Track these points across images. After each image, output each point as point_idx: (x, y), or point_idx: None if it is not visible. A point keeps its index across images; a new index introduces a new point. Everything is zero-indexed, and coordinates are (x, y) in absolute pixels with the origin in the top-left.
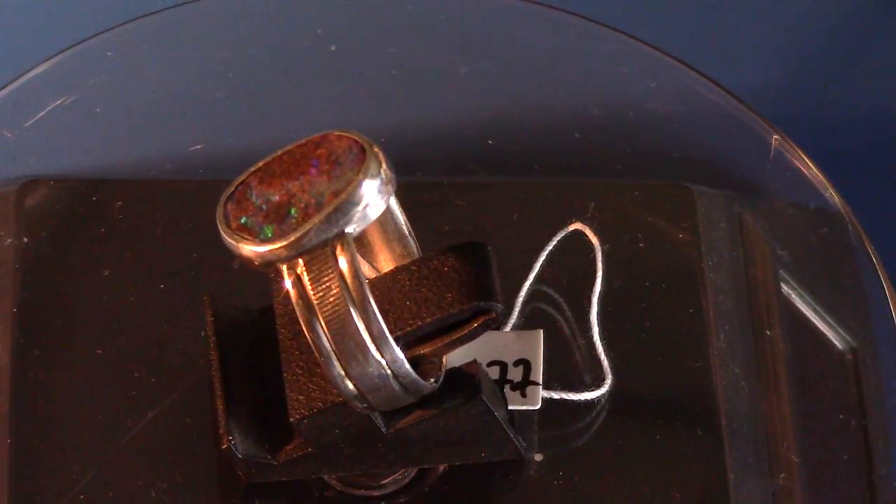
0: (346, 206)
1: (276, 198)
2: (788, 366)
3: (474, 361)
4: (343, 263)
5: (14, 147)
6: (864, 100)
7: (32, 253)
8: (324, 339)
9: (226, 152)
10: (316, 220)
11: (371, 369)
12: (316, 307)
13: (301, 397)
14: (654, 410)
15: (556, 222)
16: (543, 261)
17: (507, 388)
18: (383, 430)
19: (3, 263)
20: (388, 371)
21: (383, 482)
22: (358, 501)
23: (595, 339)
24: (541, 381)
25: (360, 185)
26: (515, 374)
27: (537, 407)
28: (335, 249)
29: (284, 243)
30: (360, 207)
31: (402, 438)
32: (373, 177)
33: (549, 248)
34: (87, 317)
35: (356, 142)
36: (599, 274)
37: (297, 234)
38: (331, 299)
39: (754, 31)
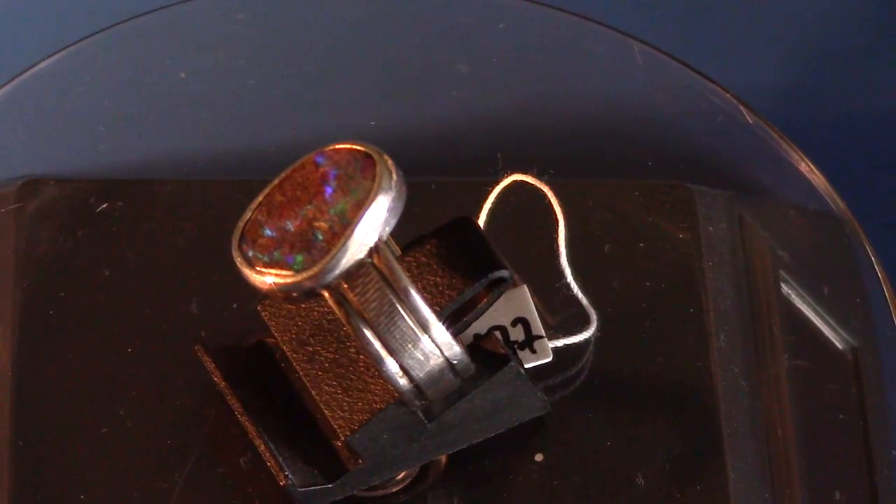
0: (372, 214)
1: (294, 226)
2: (788, 366)
3: (488, 332)
4: (384, 269)
5: (14, 147)
6: (864, 100)
7: (33, 253)
8: (378, 346)
9: (226, 152)
10: (348, 233)
11: (431, 362)
12: (370, 320)
13: (345, 414)
14: (653, 410)
15: (554, 221)
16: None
17: (515, 349)
18: (426, 422)
19: (3, 263)
20: (442, 357)
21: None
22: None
23: (570, 282)
24: (544, 334)
25: (379, 191)
26: (517, 334)
27: (550, 359)
28: (372, 258)
29: (321, 267)
30: (384, 213)
31: (442, 426)
32: (389, 181)
33: (489, 204)
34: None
35: (357, 150)
36: (560, 218)
37: (333, 254)
38: (384, 307)
39: (755, 32)
